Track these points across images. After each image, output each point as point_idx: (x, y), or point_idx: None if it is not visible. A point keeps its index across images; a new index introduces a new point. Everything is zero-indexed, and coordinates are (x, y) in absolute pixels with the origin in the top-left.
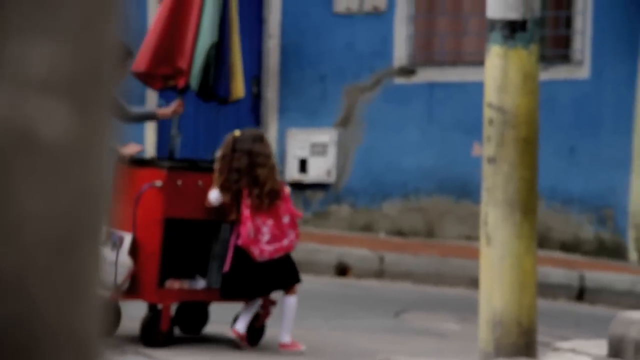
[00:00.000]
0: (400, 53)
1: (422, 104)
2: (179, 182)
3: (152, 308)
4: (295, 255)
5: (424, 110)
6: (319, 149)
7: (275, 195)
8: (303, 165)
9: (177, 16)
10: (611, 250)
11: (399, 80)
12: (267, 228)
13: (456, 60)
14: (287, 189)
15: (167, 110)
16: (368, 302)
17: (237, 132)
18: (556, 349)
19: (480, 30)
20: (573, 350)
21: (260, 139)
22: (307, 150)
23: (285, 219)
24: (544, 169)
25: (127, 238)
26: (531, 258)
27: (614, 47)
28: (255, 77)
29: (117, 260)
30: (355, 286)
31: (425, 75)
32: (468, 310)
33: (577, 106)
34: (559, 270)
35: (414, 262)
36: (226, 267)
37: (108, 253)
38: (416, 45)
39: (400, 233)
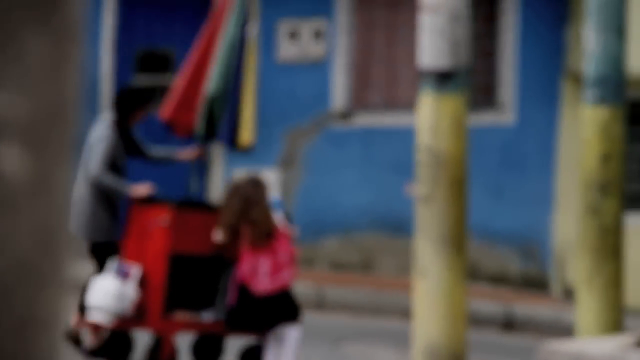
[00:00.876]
0: (338, 99)
1: (359, 147)
2: (185, 220)
3: (156, 337)
4: None
5: (361, 152)
6: None
7: (269, 235)
8: None
9: (200, 64)
10: (536, 284)
11: (337, 125)
12: (265, 265)
13: (391, 106)
14: (286, 229)
15: (186, 154)
16: (307, 334)
17: (238, 178)
18: None
19: (413, 77)
20: None
21: (256, 184)
22: None
23: (283, 256)
24: (474, 207)
25: (136, 270)
26: (462, 291)
27: (537, 94)
28: None
29: (122, 291)
30: None
31: (362, 119)
32: (403, 341)
33: (503, 149)
34: (487, 303)
35: (351, 295)
36: (230, 300)
37: (113, 283)
38: (353, 91)
39: (338, 267)
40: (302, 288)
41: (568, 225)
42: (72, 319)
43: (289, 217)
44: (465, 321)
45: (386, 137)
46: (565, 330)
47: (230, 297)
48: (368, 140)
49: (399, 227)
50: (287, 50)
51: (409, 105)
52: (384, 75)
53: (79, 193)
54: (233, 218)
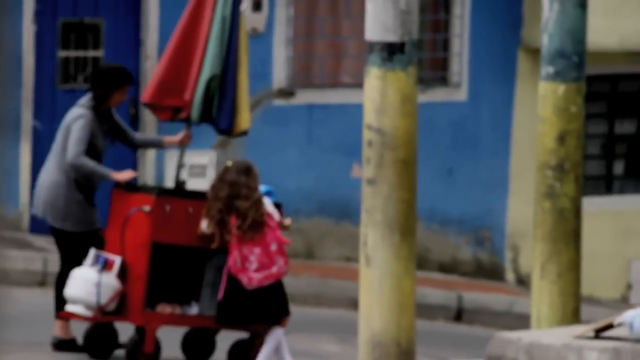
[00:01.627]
0: (280, 75)
1: (302, 126)
2: (167, 208)
3: (139, 331)
4: None
5: (303, 131)
6: (198, 171)
7: (258, 226)
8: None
9: (184, 48)
10: (489, 271)
11: (279, 102)
12: (254, 256)
13: (335, 82)
14: (276, 217)
15: (174, 139)
16: None
17: (229, 163)
18: None
19: (359, 52)
20: None
21: (246, 171)
22: (186, 172)
23: (273, 247)
24: (423, 191)
25: (117, 260)
26: (410, 279)
27: (491, 69)
28: (132, 99)
29: (99, 281)
30: None
31: (305, 97)
32: (348, 331)
33: (455, 128)
34: (437, 291)
35: (293, 283)
36: (220, 294)
37: (92, 274)
38: (295, 67)
39: None
40: None
41: (523, 209)
42: (55, 327)
43: (279, 207)
44: (414, 311)
45: (331, 116)
46: (519, 320)
47: (220, 290)
48: (311, 119)
49: (345, 211)
50: None
51: (355, 81)
52: (328, 49)
53: (52, 178)
54: (220, 207)
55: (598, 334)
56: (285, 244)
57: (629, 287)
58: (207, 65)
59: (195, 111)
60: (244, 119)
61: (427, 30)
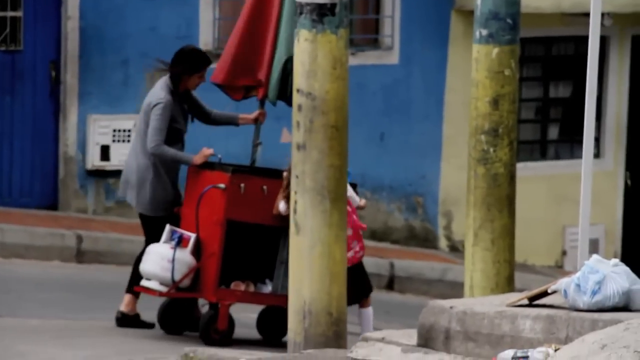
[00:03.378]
0: (206, 37)
1: None
2: (242, 186)
3: (213, 307)
4: (98, 246)
5: None
6: (122, 135)
7: None
8: (105, 152)
9: (255, 28)
10: (421, 238)
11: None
12: None
13: None
14: (356, 200)
15: (249, 116)
16: None
17: None
18: (366, 339)
19: None
20: (383, 340)
21: None
22: (109, 137)
23: (349, 231)
24: (354, 156)
25: (192, 237)
26: (341, 247)
27: (423, 32)
28: (53, 62)
29: (174, 257)
30: None
31: None
32: None
33: (386, 92)
34: (368, 259)
35: None
36: None
37: (167, 250)
38: (222, 28)
39: None
40: None
41: (456, 175)
42: (123, 302)
43: (355, 187)
44: (345, 279)
45: None
46: (452, 288)
47: None
48: None
49: None
50: None
51: None
52: None
53: (137, 162)
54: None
55: (532, 301)
56: (362, 228)
57: (563, 253)
58: (281, 47)
59: (271, 91)
60: None
61: None
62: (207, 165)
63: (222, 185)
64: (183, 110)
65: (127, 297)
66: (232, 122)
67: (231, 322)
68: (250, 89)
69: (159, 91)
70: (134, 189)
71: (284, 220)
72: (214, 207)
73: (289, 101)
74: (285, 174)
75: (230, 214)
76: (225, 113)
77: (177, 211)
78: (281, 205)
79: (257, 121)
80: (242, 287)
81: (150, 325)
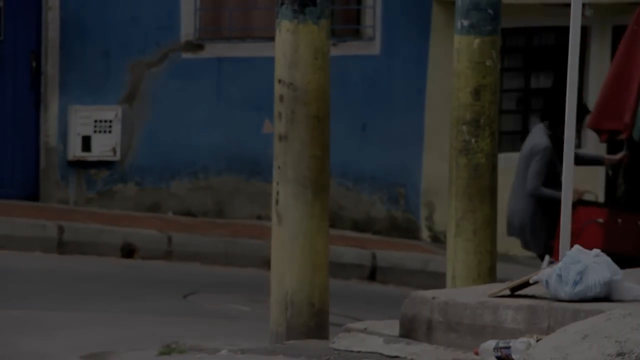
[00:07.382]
0: (188, 27)
1: (211, 80)
2: (619, 221)
3: None
4: (80, 237)
5: (212, 86)
6: (103, 126)
7: None
8: (86, 143)
9: (623, 74)
10: (403, 229)
11: (186, 55)
12: None
13: (246, 35)
14: None
15: (614, 157)
16: (155, 284)
17: None
18: (348, 330)
19: (269, 4)
20: (365, 331)
21: None
22: (91, 128)
23: None
24: (335, 147)
25: None
26: (323, 237)
27: (405, 22)
28: (33, 52)
29: None
30: (142, 268)
31: (214, 50)
32: (259, 291)
33: (368, 83)
34: (350, 250)
35: (203, 242)
36: None
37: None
38: (204, 19)
39: (189, 213)
40: (148, 236)
41: (438, 166)
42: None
43: None
44: (327, 270)
45: (241, 70)
46: (434, 279)
47: None
48: (221, 73)
49: (255, 169)
50: None
51: (265, 34)
52: (237, 0)
53: (519, 206)
54: None
55: (514, 292)
56: None
57: None
58: None
59: (637, 130)
60: None
61: None
62: (584, 202)
63: (600, 220)
64: (559, 154)
65: None
66: (597, 162)
67: None
68: (616, 133)
69: (539, 137)
70: (517, 230)
71: None
72: (592, 240)
73: None
74: None
75: (609, 247)
76: (590, 153)
77: (551, 244)
78: None
79: (622, 162)
80: None
81: None
